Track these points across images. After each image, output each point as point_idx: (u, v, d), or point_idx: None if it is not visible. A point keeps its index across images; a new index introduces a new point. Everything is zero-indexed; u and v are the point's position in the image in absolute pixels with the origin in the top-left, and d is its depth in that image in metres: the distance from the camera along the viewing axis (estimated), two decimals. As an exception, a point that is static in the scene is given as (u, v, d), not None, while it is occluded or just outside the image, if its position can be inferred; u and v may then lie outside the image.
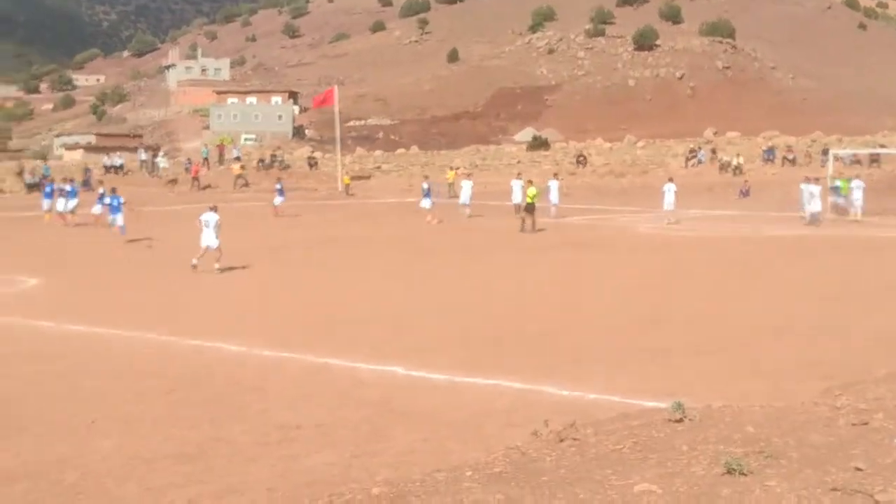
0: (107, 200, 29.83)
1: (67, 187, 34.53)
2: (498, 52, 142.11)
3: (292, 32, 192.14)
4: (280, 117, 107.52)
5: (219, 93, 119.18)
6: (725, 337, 12.88)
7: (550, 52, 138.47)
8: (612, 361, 11.31)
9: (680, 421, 6.48)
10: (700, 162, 55.14)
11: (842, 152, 48.18)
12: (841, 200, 34.28)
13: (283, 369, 11.30)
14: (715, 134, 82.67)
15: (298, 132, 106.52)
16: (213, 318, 15.31)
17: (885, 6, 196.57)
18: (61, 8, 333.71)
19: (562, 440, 6.25)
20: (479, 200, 36.80)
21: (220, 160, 58.78)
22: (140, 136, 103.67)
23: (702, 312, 15.02)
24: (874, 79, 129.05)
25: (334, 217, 36.70)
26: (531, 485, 5.24)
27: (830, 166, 39.31)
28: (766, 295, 16.90)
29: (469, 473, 5.58)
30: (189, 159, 59.04)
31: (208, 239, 20.36)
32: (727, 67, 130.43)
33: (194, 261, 20.16)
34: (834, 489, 4.85)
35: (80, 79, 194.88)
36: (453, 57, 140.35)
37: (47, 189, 36.07)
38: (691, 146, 62.83)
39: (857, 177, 35.61)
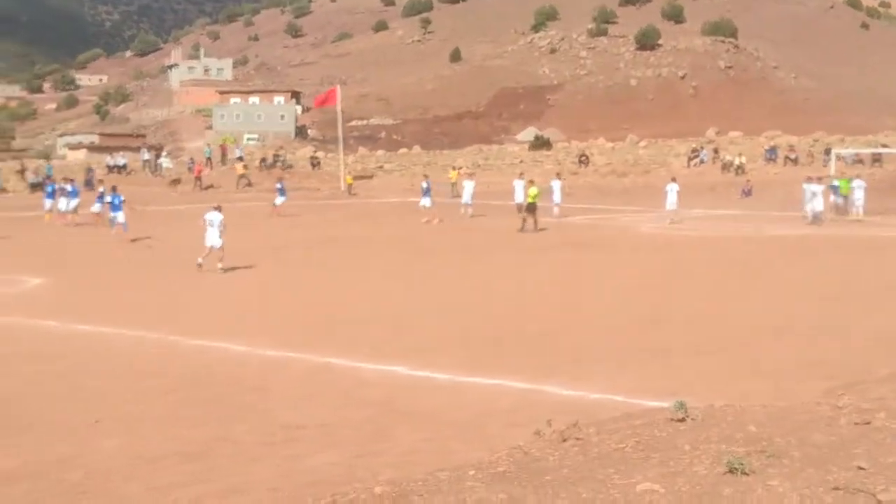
0: (107, 199, 29.89)
1: (68, 187, 34.62)
2: (500, 51, 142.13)
3: (295, 32, 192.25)
4: (283, 117, 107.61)
5: (221, 93, 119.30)
6: (726, 337, 12.88)
7: (553, 51, 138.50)
8: (613, 361, 11.32)
9: (682, 420, 6.50)
10: (702, 162, 55.10)
11: (844, 152, 48.16)
12: (840, 200, 34.28)
13: (286, 369, 11.31)
14: (717, 133, 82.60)
15: (301, 132, 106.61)
16: (215, 317, 15.33)
17: (888, 6, 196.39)
18: (64, 8, 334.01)
19: (564, 440, 6.26)
20: (482, 200, 36.80)
21: (223, 160, 58.81)
22: (143, 136, 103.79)
23: (702, 312, 15.02)
24: (876, 78, 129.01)
25: (337, 217, 36.71)
26: (534, 484, 5.26)
27: (833, 166, 39.28)
28: (767, 295, 16.90)
29: (472, 473, 5.59)
30: (192, 159, 59.07)
31: (212, 238, 20.39)
32: (729, 67, 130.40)
33: (200, 260, 20.19)
34: (836, 488, 4.86)
35: (83, 79, 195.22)
36: (456, 56, 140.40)
37: (48, 189, 36.14)
38: (693, 146, 62.76)
39: (859, 176, 35.58)
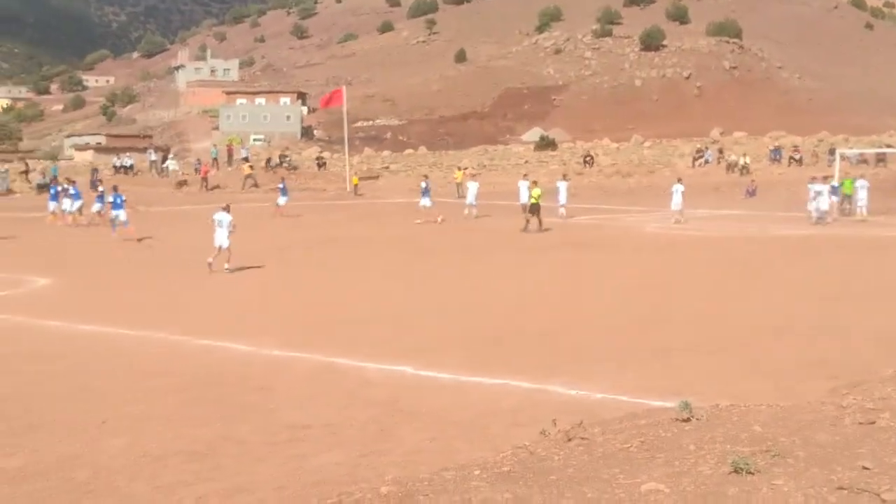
0: (109, 199, 30.08)
1: (71, 189, 34.81)
2: (505, 52, 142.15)
3: (301, 33, 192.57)
4: (288, 118, 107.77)
5: (228, 93, 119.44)
6: (727, 336, 12.88)
7: (557, 52, 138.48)
8: (615, 361, 11.33)
9: (687, 420, 6.51)
10: (707, 162, 55.04)
11: (848, 152, 48.07)
12: (838, 200, 34.27)
13: (291, 369, 11.34)
14: (721, 134, 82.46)
15: (307, 133, 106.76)
16: (219, 317, 15.36)
17: (892, 6, 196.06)
18: (71, 9, 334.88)
19: (569, 439, 6.28)
20: (487, 201, 36.81)
21: (229, 161, 58.93)
22: (150, 137, 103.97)
23: (703, 312, 15.02)
24: (881, 78, 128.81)
25: (342, 217, 36.76)
26: (539, 484, 5.27)
27: (837, 166, 39.23)
28: (768, 294, 16.88)
29: (477, 472, 5.61)
30: (199, 160, 59.20)
31: (221, 239, 20.45)
32: (734, 67, 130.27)
33: (210, 260, 20.26)
34: (840, 488, 4.87)
35: (90, 80, 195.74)
36: (461, 57, 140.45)
37: (52, 191, 36.35)
38: (698, 146, 62.71)
39: (862, 176, 35.50)
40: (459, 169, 50.54)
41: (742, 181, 46.26)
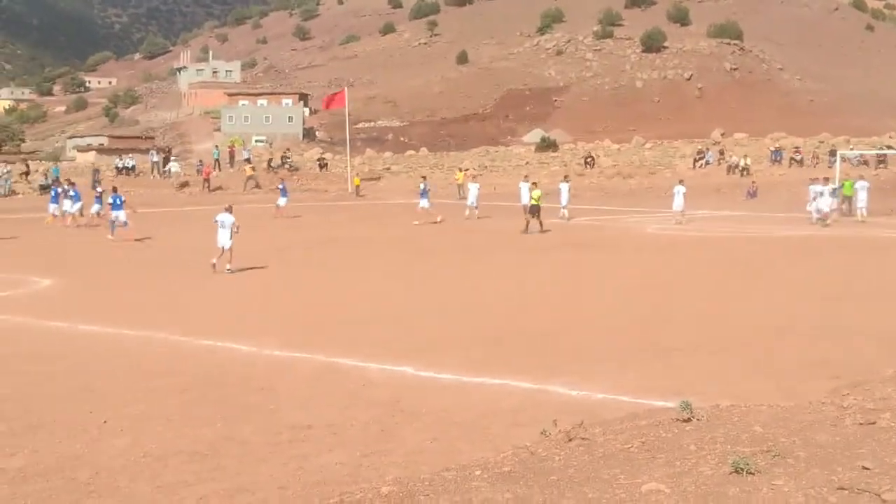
0: (108, 200, 30.17)
1: (70, 190, 34.89)
2: (506, 53, 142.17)
3: (303, 35, 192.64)
4: (290, 119, 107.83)
5: (230, 95, 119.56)
6: (728, 336, 12.89)
7: (559, 53, 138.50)
8: (616, 361, 11.34)
9: (688, 421, 6.52)
10: (708, 163, 55.04)
11: (849, 153, 48.08)
12: (840, 201, 34.28)
13: (293, 369, 11.35)
14: (722, 135, 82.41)
15: (309, 134, 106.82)
16: (221, 318, 15.37)
17: (893, 7, 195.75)
18: (74, 11, 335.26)
19: (570, 440, 6.28)
20: (488, 202, 36.82)
21: (231, 162, 58.97)
22: (152, 138, 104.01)
23: (704, 312, 15.04)
24: (881, 80, 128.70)
25: (347, 217, 36.82)
26: (540, 484, 5.28)
27: (838, 167, 39.23)
28: (769, 295, 16.90)
29: (478, 472, 5.62)
30: (201, 161, 59.22)
31: (223, 239, 20.48)
32: (735, 69, 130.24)
33: (213, 260, 20.29)
34: (841, 488, 4.87)
35: (93, 81, 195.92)
36: (462, 59, 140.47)
37: (53, 193, 36.43)
38: (699, 147, 62.70)
39: (862, 177, 35.51)
40: (461, 170, 50.57)
41: (743, 182, 46.28)
